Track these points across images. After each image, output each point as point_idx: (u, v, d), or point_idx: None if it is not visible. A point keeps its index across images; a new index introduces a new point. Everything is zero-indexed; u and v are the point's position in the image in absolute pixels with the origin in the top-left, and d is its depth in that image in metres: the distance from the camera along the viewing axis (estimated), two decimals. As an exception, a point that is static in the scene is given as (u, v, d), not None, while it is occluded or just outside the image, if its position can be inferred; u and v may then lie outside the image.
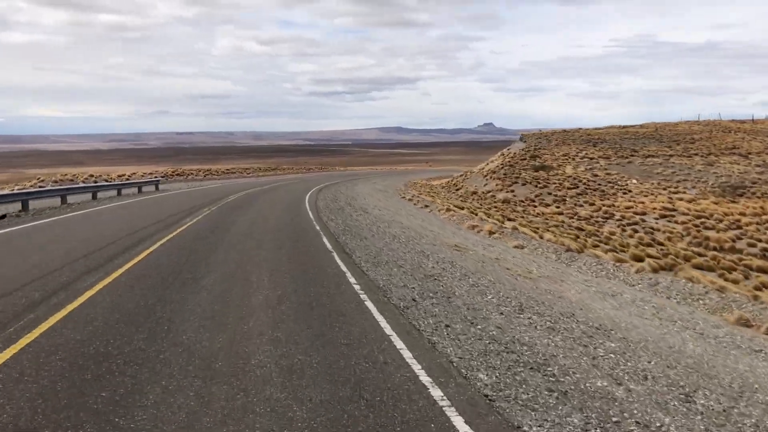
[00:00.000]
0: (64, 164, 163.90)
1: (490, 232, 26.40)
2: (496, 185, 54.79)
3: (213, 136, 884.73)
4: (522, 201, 48.08)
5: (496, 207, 43.09)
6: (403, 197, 47.55)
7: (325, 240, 18.53)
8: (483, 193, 54.01)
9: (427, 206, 39.19)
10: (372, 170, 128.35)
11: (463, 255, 16.81)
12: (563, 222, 37.85)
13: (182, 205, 31.37)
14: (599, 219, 40.17)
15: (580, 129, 79.95)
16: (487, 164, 71.75)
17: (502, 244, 23.32)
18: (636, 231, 35.23)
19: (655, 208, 41.96)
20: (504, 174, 57.37)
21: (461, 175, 76.39)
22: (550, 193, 48.70)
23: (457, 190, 62.05)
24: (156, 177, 55.19)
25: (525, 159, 61.11)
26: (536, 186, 51.66)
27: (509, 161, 62.19)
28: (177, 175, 75.84)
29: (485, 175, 62.41)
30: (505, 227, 29.00)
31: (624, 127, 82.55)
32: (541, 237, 25.72)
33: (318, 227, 22.39)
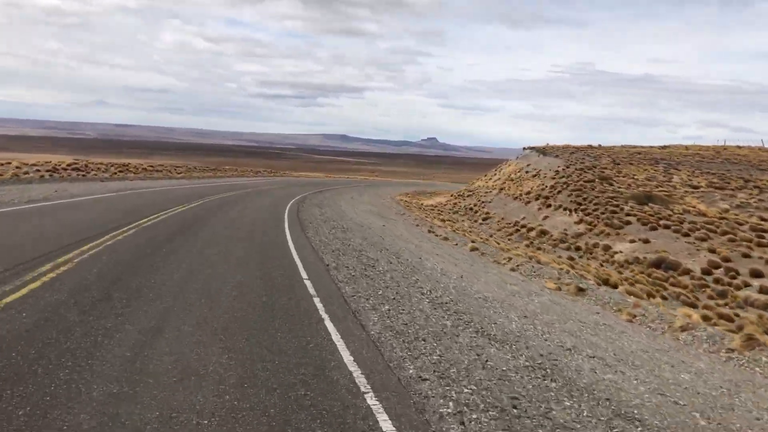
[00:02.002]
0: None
1: None
2: (573, 219, 34.53)
3: (152, 131, 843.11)
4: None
5: (634, 272, 22.82)
6: (431, 231, 27.51)
7: None
8: (538, 226, 33.79)
9: (473, 247, 18.76)
10: (328, 178, 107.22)
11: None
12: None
13: None
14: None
15: (625, 146, 61.22)
16: (510, 183, 51.72)
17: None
18: None
19: None
20: (575, 202, 37.21)
21: (465, 194, 56.19)
22: (693, 243, 28.36)
23: (476, 214, 41.94)
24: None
25: (590, 181, 41.26)
26: (654, 227, 30.98)
27: (564, 182, 42.29)
28: (76, 169, 52.83)
29: (520, 198, 42.34)
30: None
31: (665, 147, 64.32)
32: None
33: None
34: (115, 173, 55.63)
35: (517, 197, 44.55)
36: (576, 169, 45.44)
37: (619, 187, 38.10)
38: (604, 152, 55.58)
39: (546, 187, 42.74)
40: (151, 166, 71.16)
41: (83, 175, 48.48)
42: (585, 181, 40.10)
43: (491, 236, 32.00)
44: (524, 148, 75.00)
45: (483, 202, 48.99)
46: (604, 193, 36.76)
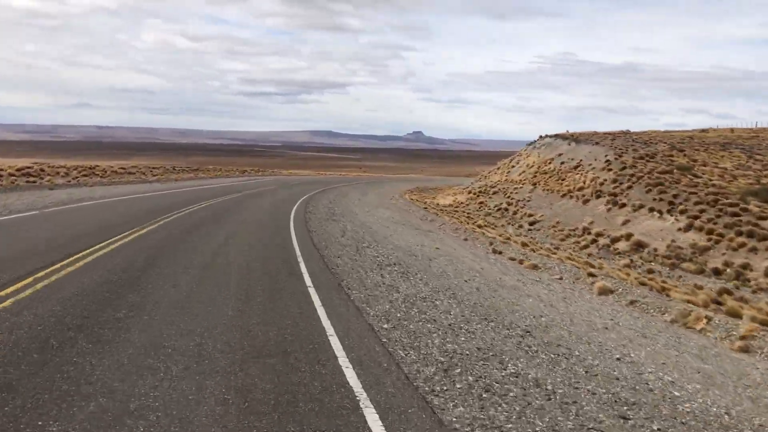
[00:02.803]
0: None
1: None
2: (673, 225, 25.77)
3: (135, 132, 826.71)
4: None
5: None
6: (495, 251, 18.67)
7: None
8: (623, 235, 25.14)
9: (604, 288, 9.51)
10: (319, 175, 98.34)
11: None
12: None
13: None
14: None
15: (656, 131, 53.11)
16: (545, 177, 43.19)
17: None
18: None
19: None
20: (661, 200, 28.46)
21: (487, 190, 47.65)
22: None
23: (516, 216, 33.51)
24: None
25: (667, 172, 32.53)
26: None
27: (629, 174, 33.56)
28: (27, 175, 43.65)
29: (572, 196, 33.84)
30: None
31: (705, 130, 56.18)
32: None
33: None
34: (78, 178, 46.48)
35: (565, 194, 36.00)
36: (634, 158, 36.93)
37: (711, 179, 29.66)
38: (646, 138, 47.17)
39: (605, 180, 34.21)
40: (123, 168, 61.95)
41: (32, 182, 39.36)
42: (660, 173, 31.61)
43: (572, 252, 23.40)
44: (542, 137, 66.58)
45: (517, 200, 40.41)
46: (696, 187, 28.27)
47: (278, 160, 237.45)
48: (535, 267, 16.78)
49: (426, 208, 40.67)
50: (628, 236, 24.02)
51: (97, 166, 61.15)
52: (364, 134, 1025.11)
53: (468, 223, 31.26)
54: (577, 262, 18.61)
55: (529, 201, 38.92)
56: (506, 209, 39.03)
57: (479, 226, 31.33)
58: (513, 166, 62.14)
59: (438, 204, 47.23)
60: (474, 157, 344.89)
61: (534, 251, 20.61)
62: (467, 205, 45.68)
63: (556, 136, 59.85)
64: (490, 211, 39.67)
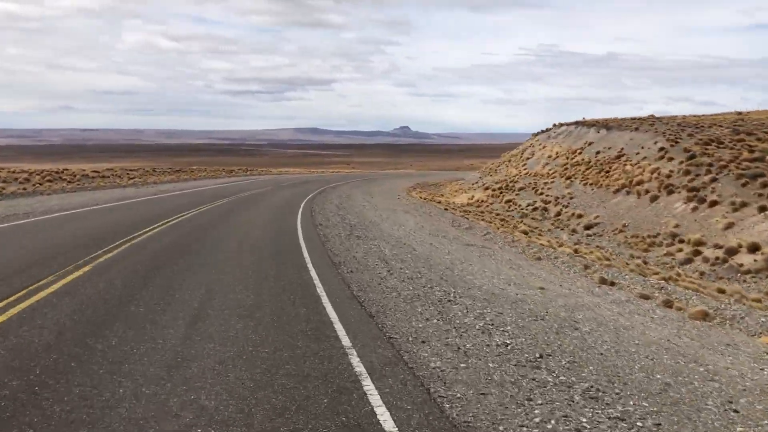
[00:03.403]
0: None
1: None
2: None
3: (120, 134, 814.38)
4: None
5: None
6: (603, 282, 11.87)
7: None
8: (737, 245, 18.61)
9: None
10: (311, 174, 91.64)
11: None
12: None
13: None
14: None
15: (707, 116, 46.99)
16: (583, 170, 36.76)
17: None
18: None
19: None
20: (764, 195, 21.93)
21: (511, 186, 41.24)
22: None
23: (560, 219, 27.12)
24: None
25: (757, 159, 26.01)
26: None
27: (707, 164, 26.94)
28: (-25, 182, 36.77)
29: (632, 192, 27.41)
30: None
31: (741, 113, 50.03)
32: None
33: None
34: (40, 184, 39.47)
35: (618, 189, 29.57)
36: (698, 144, 30.47)
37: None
38: (682, 122, 40.82)
39: (671, 172, 27.75)
40: (96, 172, 54.89)
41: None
42: (748, 161, 25.18)
43: (674, 272, 16.89)
44: (557, 125, 60.17)
45: (555, 198, 33.94)
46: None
47: (265, 159, 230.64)
48: (704, 315, 10.19)
49: (446, 209, 34.08)
50: (754, 247, 17.54)
51: (66, 169, 54.01)
52: (350, 130, 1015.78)
53: (513, 230, 24.72)
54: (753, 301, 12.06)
55: (571, 198, 32.40)
56: (545, 209, 32.52)
57: (524, 233, 24.81)
58: (528, 158, 55.71)
59: (455, 203, 40.68)
60: (461, 150, 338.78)
61: (644, 275, 14.04)
62: (490, 203, 39.17)
63: (577, 123, 53.45)
64: (524, 211, 33.15)
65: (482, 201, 40.71)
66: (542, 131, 69.23)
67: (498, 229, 25.36)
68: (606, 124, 44.53)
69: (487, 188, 46.79)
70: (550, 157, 48.04)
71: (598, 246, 22.87)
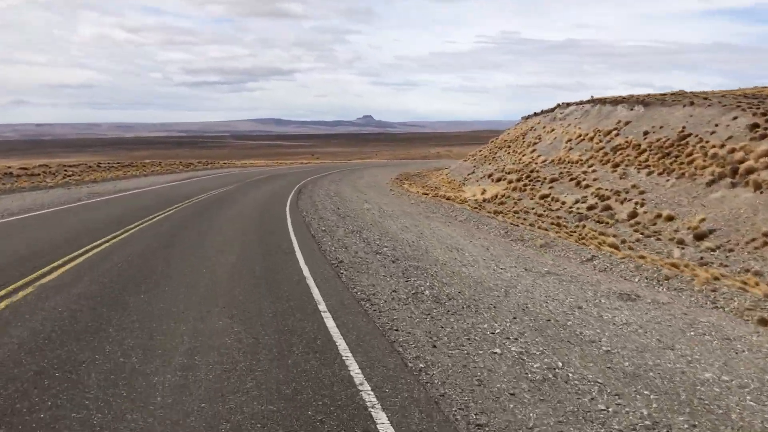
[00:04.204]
0: None
1: None
2: None
3: (76, 128, 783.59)
4: None
5: None
6: None
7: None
8: None
9: None
10: (280, 165, 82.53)
11: None
12: None
13: None
14: None
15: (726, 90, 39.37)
16: (638, 154, 28.62)
17: None
18: None
19: None
20: None
21: (536, 177, 33.17)
22: None
23: (643, 226, 18.92)
24: None
25: None
26: None
27: None
28: None
29: (730, 182, 19.22)
30: None
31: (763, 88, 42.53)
32: None
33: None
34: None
35: (715, 180, 21.40)
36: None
37: None
38: (745, 95, 33.11)
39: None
40: (24, 169, 44.87)
41: None
42: None
43: None
44: (562, 104, 52.19)
45: (614, 192, 25.61)
46: None
47: (226, 151, 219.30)
48: None
49: (478, 209, 25.60)
50: None
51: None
52: (312, 120, 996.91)
53: (600, 245, 16.33)
54: None
55: (642, 193, 24.14)
56: (607, 207, 24.22)
57: (612, 247, 16.46)
58: (534, 143, 47.59)
59: (468, 199, 32.30)
60: (425, 138, 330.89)
61: None
62: (516, 199, 30.86)
63: (594, 101, 45.47)
64: (578, 212, 24.78)
65: (502, 195, 32.35)
66: (540, 112, 61.19)
67: (576, 241, 16.96)
68: (642, 100, 36.47)
69: (500, 179, 38.46)
70: (570, 140, 39.92)
71: (752, 271, 14.67)
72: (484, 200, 32.20)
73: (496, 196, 32.32)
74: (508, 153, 50.99)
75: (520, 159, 44.79)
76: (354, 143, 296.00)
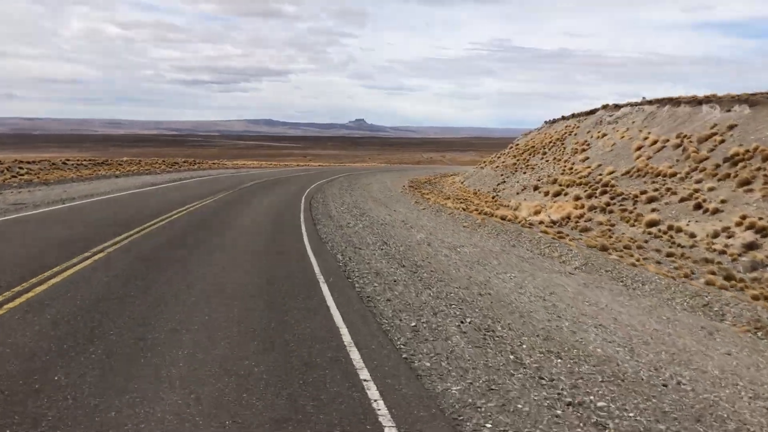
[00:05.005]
0: None
1: None
2: None
3: (66, 123, 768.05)
4: None
5: None
6: None
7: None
8: None
9: None
10: (275, 167, 74.02)
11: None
12: None
13: None
14: None
15: None
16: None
17: None
18: None
19: None
20: None
21: (615, 192, 24.72)
22: None
23: None
24: None
25: None
26: None
27: None
28: None
29: None
30: None
31: None
32: None
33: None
34: None
35: None
36: None
37: None
38: None
39: None
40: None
41: None
42: None
43: None
44: (610, 105, 44.30)
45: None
46: None
47: (216, 150, 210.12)
48: None
49: (561, 236, 17.27)
50: None
51: None
52: (304, 122, 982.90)
53: None
54: None
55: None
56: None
57: None
58: (582, 149, 39.57)
59: (538, 220, 23.99)
60: (417, 143, 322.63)
61: None
62: (607, 224, 22.53)
63: (660, 101, 37.44)
64: (733, 252, 16.48)
65: (578, 217, 24.05)
66: (570, 116, 53.20)
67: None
68: (746, 99, 28.32)
69: (558, 194, 30.19)
70: (641, 147, 31.77)
71: None
72: (553, 222, 23.90)
73: (569, 217, 24.02)
74: (547, 161, 42.82)
75: (569, 168, 36.62)
76: (347, 146, 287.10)
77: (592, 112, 47.53)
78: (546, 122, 61.52)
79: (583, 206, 25.34)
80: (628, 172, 28.64)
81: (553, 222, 24.01)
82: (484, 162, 64.51)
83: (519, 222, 23.80)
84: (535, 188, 34.27)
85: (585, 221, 23.17)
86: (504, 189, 40.47)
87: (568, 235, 20.17)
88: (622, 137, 36.09)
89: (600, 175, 30.98)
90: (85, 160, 49.47)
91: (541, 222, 24.20)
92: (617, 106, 43.44)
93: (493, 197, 38.88)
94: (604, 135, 39.31)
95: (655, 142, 30.67)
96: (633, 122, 37.75)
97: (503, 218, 24.94)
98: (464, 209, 28.47)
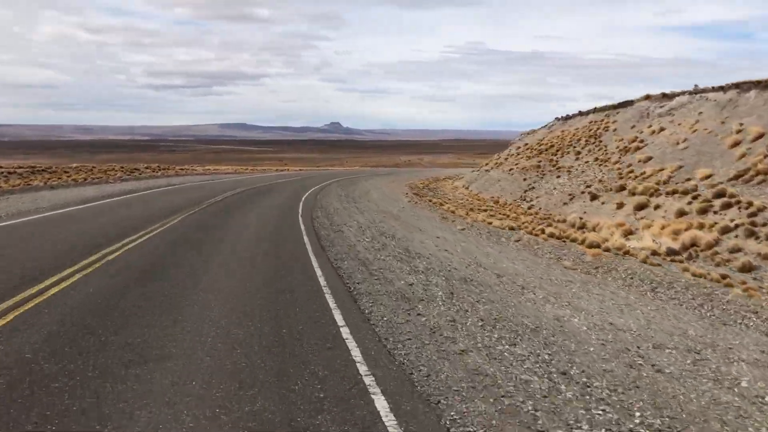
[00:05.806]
0: None
1: None
2: None
3: (37, 129, 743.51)
4: None
5: None
6: None
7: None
8: None
9: None
10: (252, 173, 65.10)
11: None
12: None
13: None
14: None
15: None
16: None
17: None
18: None
19: None
20: None
21: (687, 208, 16.21)
22: None
23: None
24: None
25: None
26: None
27: None
28: None
29: None
30: None
31: None
32: None
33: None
34: None
35: None
36: None
37: None
38: None
39: None
40: None
41: None
42: None
43: None
44: (655, 95, 36.57)
45: None
46: None
47: (189, 155, 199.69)
48: None
49: (749, 292, 9.04)
50: None
51: None
52: (279, 126, 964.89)
53: None
54: None
55: None
56: None
57: None
58: (637, 147, 31.77)
59: (640, 247, 15.77)
60: (393, 146, 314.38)
61: None
62: (759, 255, 14.37)
63: (738, 85, 29.63)
64: None
65: (708, 245, 15.97)
66: (593, 110, 45.41)
67: None
68: None
69: (641, 206, 22.13)
70: (739, 143, 23.89)
71: None
72: (672, 251, 15.77)
73: (696, 244, 15.91)
74: (586, 162, 34.83)
75: (627, 170, 28.66)
76: (322, 150, 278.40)
77: (626, 104, 39.79)
78: (557, 118, 53.84)
79: (702, 225, 17.26)
80: (740, 176, 20.64)
81: (672, 252, 15.88)
82: (487, 164, 56.52)
83: (620, 250, 15.68)
84: (593, 197, 26.17)
85: (731, 252, 15.05)
86: (538, 197, 32.37)
87: (746, 283, 12.04)
88: (694, 131, 28.21)
89: (689, 179, 23.00)
90: (21, 168, 40.23)
91: (653, 251, 16.05)
92: (664, 95, 35.69)
93: (528, 207, 30.76)
94: (662, 129, 31.48)
95: (761, 135, 22.77)
96: (699, 113, 29.94)
97: (591, 245, 16.76)
98: (518, 228, 20.22)
